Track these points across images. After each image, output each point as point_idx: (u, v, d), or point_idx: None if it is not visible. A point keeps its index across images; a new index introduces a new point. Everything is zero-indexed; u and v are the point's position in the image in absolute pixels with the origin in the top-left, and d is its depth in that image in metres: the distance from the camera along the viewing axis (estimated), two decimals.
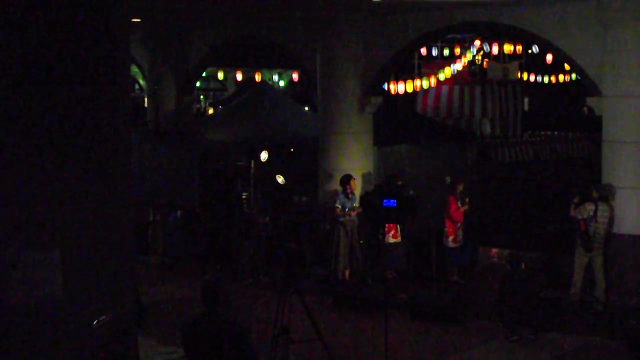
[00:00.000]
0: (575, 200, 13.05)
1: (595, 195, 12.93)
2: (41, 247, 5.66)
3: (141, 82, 27.70)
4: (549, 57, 24.31)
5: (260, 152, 15.70)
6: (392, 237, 14.64)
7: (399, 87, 21.36)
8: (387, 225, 13.94)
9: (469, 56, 24.92)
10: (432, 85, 24.00)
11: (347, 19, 16.15)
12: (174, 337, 9.28)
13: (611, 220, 12.94)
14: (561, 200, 15.05)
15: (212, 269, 14.77)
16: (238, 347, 5.85)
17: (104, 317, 4.84)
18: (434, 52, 25.91)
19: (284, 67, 29.68)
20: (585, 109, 25.57)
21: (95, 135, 5.92)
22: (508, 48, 26.38)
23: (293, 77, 28.40)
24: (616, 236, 13.05)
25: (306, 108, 24.69)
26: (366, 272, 14.72)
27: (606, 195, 13.00)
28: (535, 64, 27.61)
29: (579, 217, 12.83)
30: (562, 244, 14.36)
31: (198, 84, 27.72)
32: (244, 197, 16.29)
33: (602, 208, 12.81)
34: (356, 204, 14.50)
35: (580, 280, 13.00)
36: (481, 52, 25.79)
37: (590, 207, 12.79)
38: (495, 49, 25.34)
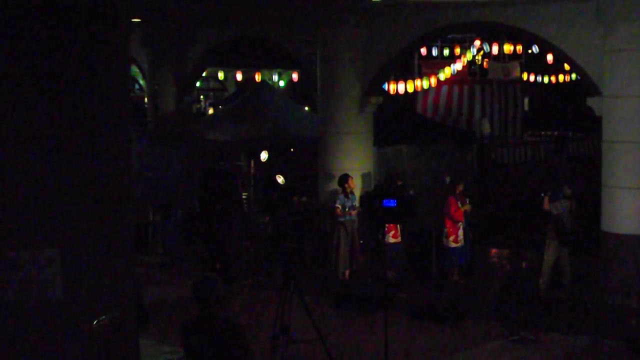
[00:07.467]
0: (549, 194, 13.45)
1: (567, 192, 13.34)
2: (41, 247, 5.66)
3: (141, 82, 27.68)
4: (549, 57, 24.31)
5: (260, 152, 15.70)
6: (392, 237, 14.63)
7: (399, 87, 21.38)
8: (387, 225, 13.94)
9: (469, 56, 24.92)
10: (432, 85, 24.03)
11: (347, 19, 16.15)
12: (174, 337, 9.28)
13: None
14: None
15: (212, 269, 14.76)
16: (234, 346, 5.85)
17: (104, 317, 4.84)
18: (434, 52, 25.93)
19: (284, 67, 29.66)
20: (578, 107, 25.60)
21: (95, 135, 5.92)
22: (508, 48, 26.40)
23: (293, 77, 28.38)
24: (616, 236, 13.07)
25: (306, 108, 24.68)
26: (366, 272, 14.71)
27: (573, 192, 13.49)
28: (535, 64, 27.62)
29: (554, 212, 13.24)
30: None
31: (198, 84, 27.71)
32: (244, 197, 16.28)
33: (572, 205, 13.34)
34: (356, 204, 14.49)
35: (549, 272, 13.28)
36: (481, 52, 25.79)
37: (566, 204, 13.26)
38: (495, 49, 25.36)
